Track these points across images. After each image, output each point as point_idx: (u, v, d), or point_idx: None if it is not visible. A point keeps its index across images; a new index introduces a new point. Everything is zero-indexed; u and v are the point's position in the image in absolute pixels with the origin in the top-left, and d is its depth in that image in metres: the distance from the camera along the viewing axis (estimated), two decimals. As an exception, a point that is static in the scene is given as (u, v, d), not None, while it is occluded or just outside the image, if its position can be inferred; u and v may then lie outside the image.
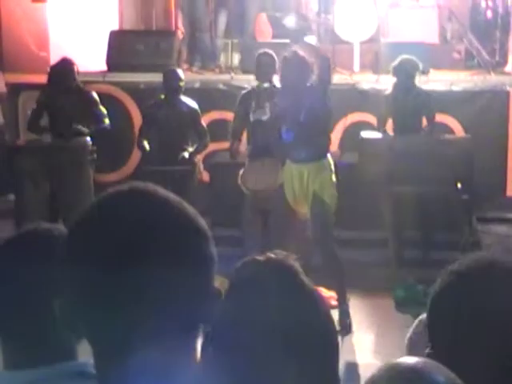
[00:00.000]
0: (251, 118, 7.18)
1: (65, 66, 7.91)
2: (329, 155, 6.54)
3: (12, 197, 8.40)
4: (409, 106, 7.70)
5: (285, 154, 6.61)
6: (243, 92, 7.73)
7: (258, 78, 7.53)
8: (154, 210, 1.17)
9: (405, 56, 7.73)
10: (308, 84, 6.38)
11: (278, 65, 7.37)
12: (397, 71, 7.71)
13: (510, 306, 1.49)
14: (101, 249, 1.14)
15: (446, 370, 1.29)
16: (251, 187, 7.11)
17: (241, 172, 7.21)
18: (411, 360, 1.33)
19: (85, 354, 1.63)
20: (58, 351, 1.67)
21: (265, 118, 6.70)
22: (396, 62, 7.70)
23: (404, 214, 7.74)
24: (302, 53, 6.40)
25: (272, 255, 1.61)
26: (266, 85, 6.94)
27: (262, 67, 7.46)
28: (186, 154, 7.80)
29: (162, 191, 1.20)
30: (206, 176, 8.32)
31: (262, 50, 7.66)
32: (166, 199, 1.20)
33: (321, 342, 1.57)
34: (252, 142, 7.49)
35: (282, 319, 1.51)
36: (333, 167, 6.51)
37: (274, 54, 7.51)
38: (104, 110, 8.02)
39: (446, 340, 1.52)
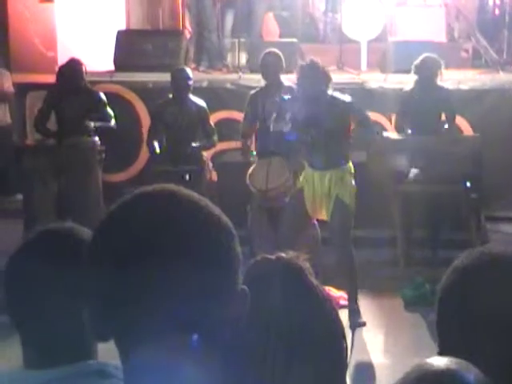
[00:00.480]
0: (271, 128, 7.10)
1: (73, 66, 7.92)
2: (350, 163, 6.56)
3: (20, 197, 8.41)
4: (429, 104, 7.65)
5: (299, 154, 6.67)
6: (252, 92, 7.72)
7: (265, 78, 7.54)
8: (180, 210, 1.18)
9: (427, 54, 7.71)
10: (327, 91, 6.41)
11: (283, 63, 7.39)
12: (419, 69, 7.67)
13: None
14: (127, 249, 1.13)
15: (477, 370, 1.28)
16: (259, 186, 7.11)
17: (249, 171, 7.21)
18: (443, 360, 1.32)
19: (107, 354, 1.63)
20: (78, 351, 1.67)
21: (286, 129, 6.68)
22: (418, 60, 7.67)
23: (412, 212, 7.73)
24: (318, 60, 6.45)
25: (283, 255, 1.62)
26: (287, 97, 6.92)
27: (268, 67, 7.46)
28: (194, 145, 7.80)
29: (185, 191, 1.21)
30: (214, 175, 8.32)
31: (267, 50, 7.66)
32: (191, 199, 1.20)
33: (327, 343, 1.57)
34: (260, 142, 7.49)
35: (289, 320, 1.52)
36: (353, 172, 6.54)
37: (279, 53, 7.50)
38: (111, 111, 8.03)
39: (454, 338, 1.52)
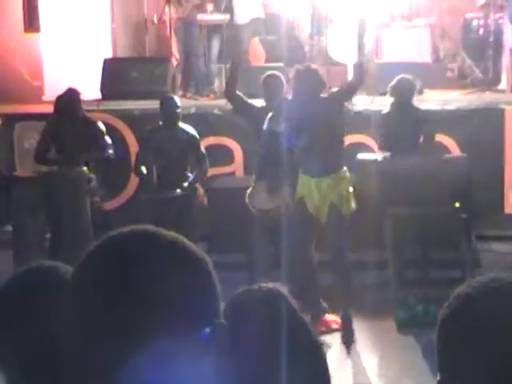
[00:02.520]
0: (265, 128, 7.09)
1: (71, 96, 7.92)
2: (345, 167, 6.60)
3: (9, 228, 8.38)
4: (407, 125, 7.68)
5: (295, 164, 6.69)
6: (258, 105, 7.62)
7: (266, 99, 7.42)
8: (154, 252, 1.20)
9: (403, 75, 7.72)
10: (321, 96, 6.46)
11: (284, 85, 7.38)
12: (394, 91, 7.69)
13: None
14: (104, 290, 1.16)
15: None
16: (259, 206, 7.08)
17: (248, 191, 7.17)
18: None
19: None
20: None
21: (280, 129, 6.71)
22: (393, 82, 7.69)
23: (403, 234, 7.72)
24: (314, 66, 6.54)
25: (263, 284, 1.71)
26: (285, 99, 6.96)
27: (270, 89, 7.38)
28: (186, 184, 7.76)
29: (162, 232, 1.23)
30: (205, 201, 8.31)
31: (269, 72, 7.62)
32: (167, 240, 1.22)
33: (309, 364, 1.65)
34: (259, 159, 7.38)
35: (271, 344, 1.58)
36: (349, 177, 6.59)
37: (281, 75, 7.49)
38: (109, 140, 8.00)
39: (456, 366, 1.51)
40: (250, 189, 7.17)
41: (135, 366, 1.15)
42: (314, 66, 6.67)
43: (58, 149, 7.99)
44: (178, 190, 7.70)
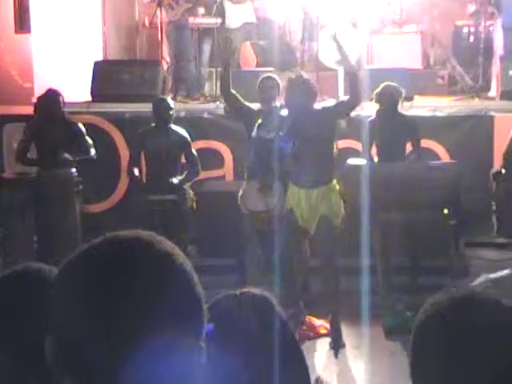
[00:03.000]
0: (254, 135, 7.10)
1: (51, 97, 7.92)
2: (335, 180, 6.61)
3: (-2, 229, 8.35)
4: (393, 132, 7.72)
5: (287, 170, 6.70)
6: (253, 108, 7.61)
7: (261, 101, 7.42)
8: (141, 258, 1.21)
9: (388, 82, 7.75)
10: (314, 107, 6.47)
11: (280, 88, 7.38)
12: (380, 98, 7.72)
13: (489, 341, 1.47)
14: (89, 291, 1.18)
15: None
16: (250, 208, 7.09)
17: (240, 192, 7.17)
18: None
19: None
20: None
21: (269, 136, 6.72)
22: (379, 89, 7.72)
23: (391, 240, 7.73)
24: (306, 75, 6.56)
25: (246, 290, 1.75)
26: (275, 104, 6.97)
27: (265, 90, 7.37)
28: (175, 180, 7.77)
29: (155, 238, 1.24)
30: (195, 204, 8.30)
31: (265, 75, 7.64)
32: (160, 248, 1.23)
33: (294, 370, 1.71)
34: (252, 162, 7.39)
35: (258, 349, 1.63)
36: (338, 189, 6.62)
37: (277, 78, 7.49)
38: (90, 141, 8.02)
39: (426, 373, 1.51)
40: (242, 190, 7.17)
41: (129, 365, 1.15)
42: (305, 76, 6.67)
43: (39, 149, 7.98)
44: (170, 196, 7.70)
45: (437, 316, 1.53)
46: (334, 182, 6.63)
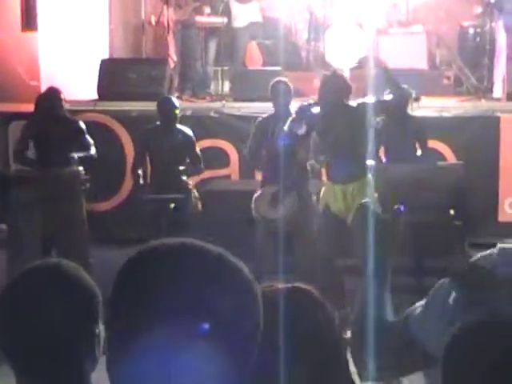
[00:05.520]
0: (269, 141, 7.07)
1: (52, 94, 7.86)
2: (370, 175, 6.60)
3: (4, 227, 8.36)
4: (402, 133, 7.70)
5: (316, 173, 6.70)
6: (260, 119, 7.61)
7: (277, 107, 7.36)
8: (188, 262, 1.28)
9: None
10: (349, 103, 6.50)
11: (292, 92, 7.34)
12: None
13: None
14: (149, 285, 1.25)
15: None
16: (263, 214, 7.07)
17: (254, 196, 7.15)
18: None
19: None
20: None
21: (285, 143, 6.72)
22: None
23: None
24: (340, 72, 6.55)
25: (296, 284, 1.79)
26: (308, 102, 6.96)
27: (280, 96, 7.32)
28: (180, 179, 7.75)
29: (196, 243, 1.32)
30: (200, 204, 8.29)
31: (277, 79, 7.60)
32: (202, 251, 1.30)
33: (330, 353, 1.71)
34: (267, 168, 7.37)
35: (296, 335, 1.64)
36: (373, 184, 6.60)
37: (288, 82, 7.46)
38: (90, 139, 7.94)
39: None
40: (256, 194, 7.13)
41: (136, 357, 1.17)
42: (339, 72, 6.65)
43: (38, 148, 7.94)
44: (174, 195, 7.70)
45: (466, 342, 1.52)
46: (369, 176, 6.61)
